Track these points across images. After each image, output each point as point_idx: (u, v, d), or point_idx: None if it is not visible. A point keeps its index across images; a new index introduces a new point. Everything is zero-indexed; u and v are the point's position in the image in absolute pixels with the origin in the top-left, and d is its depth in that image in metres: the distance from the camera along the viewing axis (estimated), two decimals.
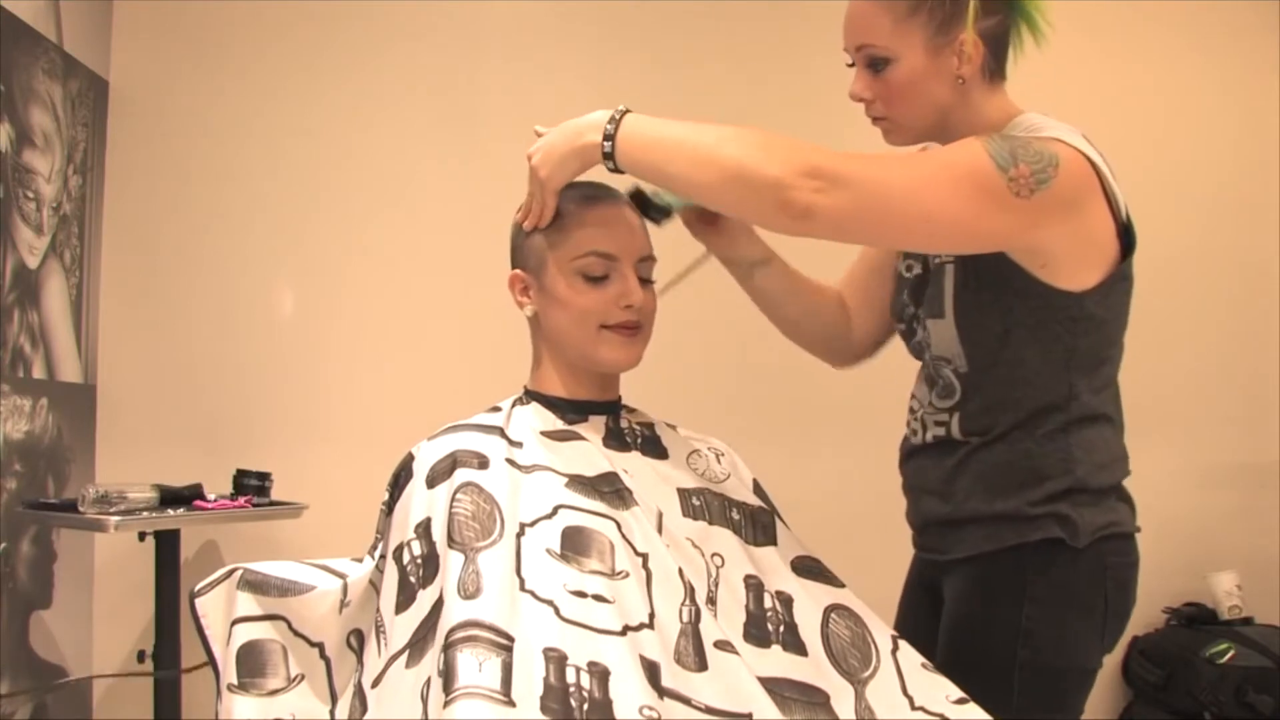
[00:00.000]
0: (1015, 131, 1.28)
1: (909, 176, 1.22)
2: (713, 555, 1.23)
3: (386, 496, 1.26)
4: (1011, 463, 1.32)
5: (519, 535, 1.14)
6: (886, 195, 1.20)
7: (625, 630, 1.08)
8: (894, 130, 1.35)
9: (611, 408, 1.35)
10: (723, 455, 1.40)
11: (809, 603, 1.24)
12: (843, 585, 1.29)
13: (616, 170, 1.25)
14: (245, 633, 1.23)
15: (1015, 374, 1.31)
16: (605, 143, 1.22)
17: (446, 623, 1.05)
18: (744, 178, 1.17)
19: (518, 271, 1.34)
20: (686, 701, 1.07)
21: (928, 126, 1.34)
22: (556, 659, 1.03)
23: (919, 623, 1.39)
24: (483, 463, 1.20)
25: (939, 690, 1.21)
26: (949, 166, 1.22)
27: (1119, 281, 1.30)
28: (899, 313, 1.45)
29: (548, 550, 1.13)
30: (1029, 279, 1.27)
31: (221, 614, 1.25)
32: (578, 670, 1.03)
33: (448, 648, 1.02)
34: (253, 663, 1.23)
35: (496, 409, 1.32)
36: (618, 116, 1.23)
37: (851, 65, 1.34)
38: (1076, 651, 1.32)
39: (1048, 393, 1.31)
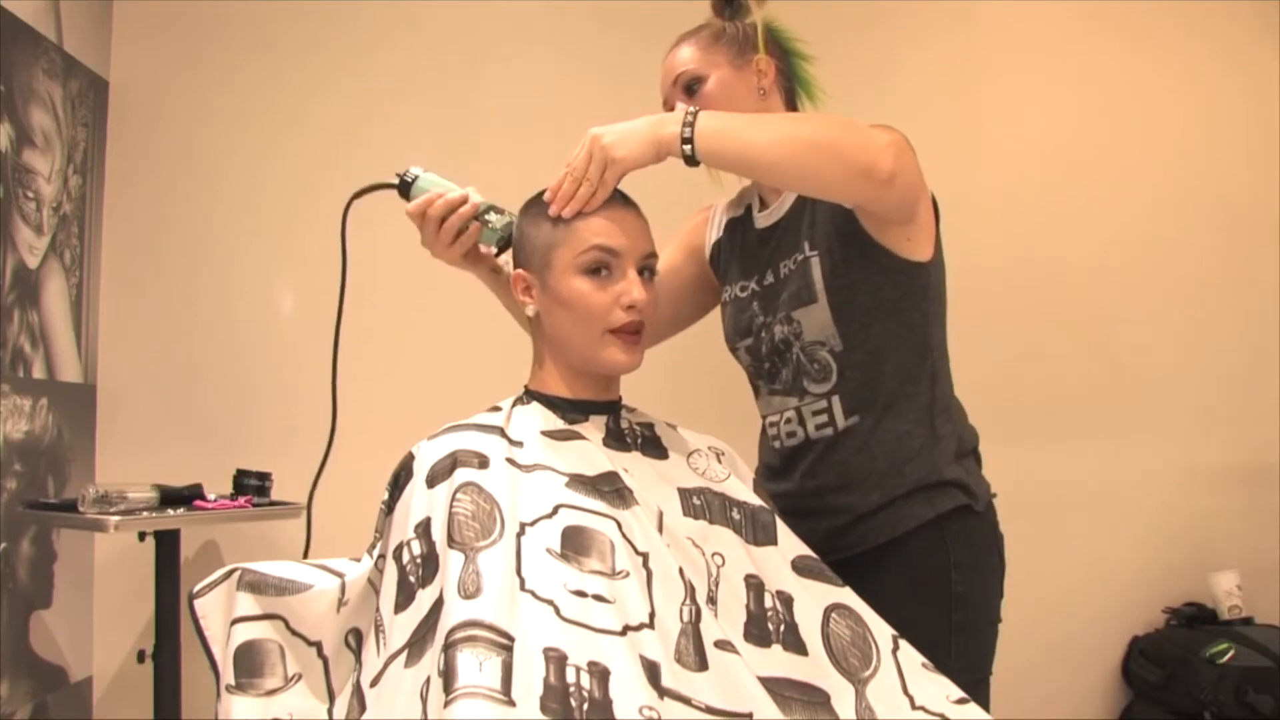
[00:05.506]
0: None
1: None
2: (713, 554, 1.23)
3: (386, 496, 1.26)
4: (909, 430, 1.43)
5: (519, 535, 1.13)
6: (910, 163, 1.35)
7: (625, 630, 1.08)
8: None
9: (612, 407, 1.35)
10: (723, 455, 1.40)
11: (809, 602, 1.24)
12: (843, 585, 1.29)
13: (692, 160, 1.30)
14: (243, 633, 1.23)
15: (886, 344, 1.44)
16: (685, 129, 1.29)
17: (447, 623, 1.05)
18: (833, 146, 1.29)
19: (520, 271, 1.34)
20: (687, 701, 1.07)
21: None
22: (556, 659, 1.03)
23: None
24: (483, 462, 1.20)
25: (939, 690, 1.22)
26: (895, 141, 1.35)
27: (940, 255, 1.49)
28: (745, 329, 1.55)
29: (548, 550, 1.13)
30: (893, 257, 1.42)
31: (221, 615, 1.25)
32: (578, 670, 1.03)
33: (448, 647, 1.02)
34: (250, 663, 1.22)
35: (497, 409, 1.32)
36: (693, 111, 1.31)
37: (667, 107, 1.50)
38: (993, 606, 1.47)
39: (916, 360, 1.45)
